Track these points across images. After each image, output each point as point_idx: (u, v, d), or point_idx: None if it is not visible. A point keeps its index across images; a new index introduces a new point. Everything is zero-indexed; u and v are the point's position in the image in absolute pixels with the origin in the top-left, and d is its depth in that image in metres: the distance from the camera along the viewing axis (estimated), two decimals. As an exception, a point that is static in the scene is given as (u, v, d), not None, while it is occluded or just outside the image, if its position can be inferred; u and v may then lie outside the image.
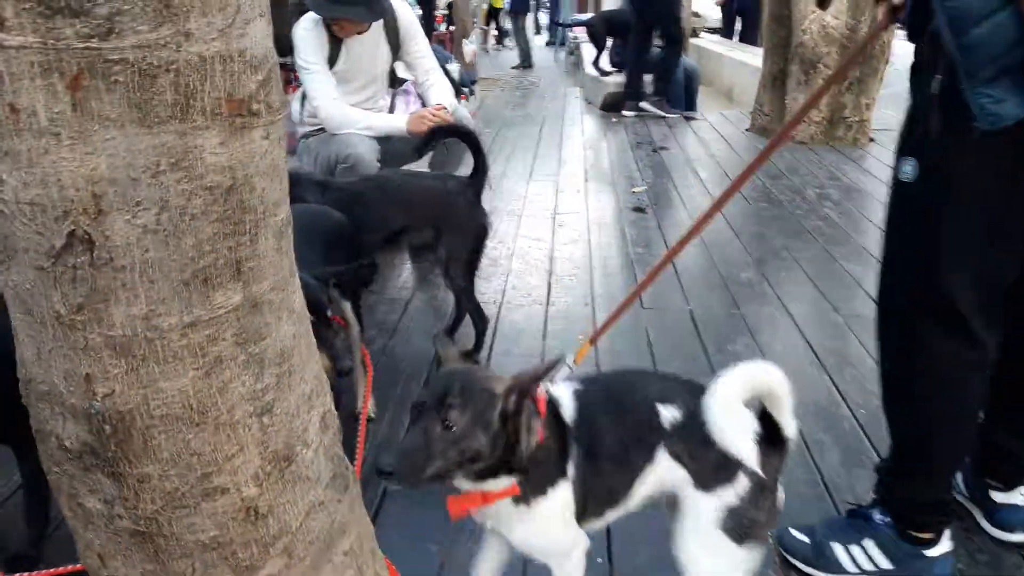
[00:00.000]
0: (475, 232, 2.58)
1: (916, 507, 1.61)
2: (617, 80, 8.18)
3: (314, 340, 1.17)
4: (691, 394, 1.32)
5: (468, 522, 1.79)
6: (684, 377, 1.41)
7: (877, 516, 1.66)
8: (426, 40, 3.48)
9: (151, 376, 0.91)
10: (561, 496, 1.28)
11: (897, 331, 1.57)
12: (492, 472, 1.23)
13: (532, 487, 1.26)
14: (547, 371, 1.20)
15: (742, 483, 1.29)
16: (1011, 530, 1.73)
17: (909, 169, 1.44)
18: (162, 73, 0.83)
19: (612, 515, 1.38)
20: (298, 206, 2.20)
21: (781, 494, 1.36)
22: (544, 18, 21.69)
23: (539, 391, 1.24)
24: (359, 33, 3.18)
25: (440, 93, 3.34)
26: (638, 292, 1.51)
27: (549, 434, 1.26)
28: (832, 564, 1.65)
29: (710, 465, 1.29)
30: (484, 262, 3.51)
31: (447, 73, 6.43)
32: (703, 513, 1.30)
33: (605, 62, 8.66)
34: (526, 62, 13.99)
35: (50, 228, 0.82)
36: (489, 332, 2.76)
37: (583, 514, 1.32)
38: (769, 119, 6.50)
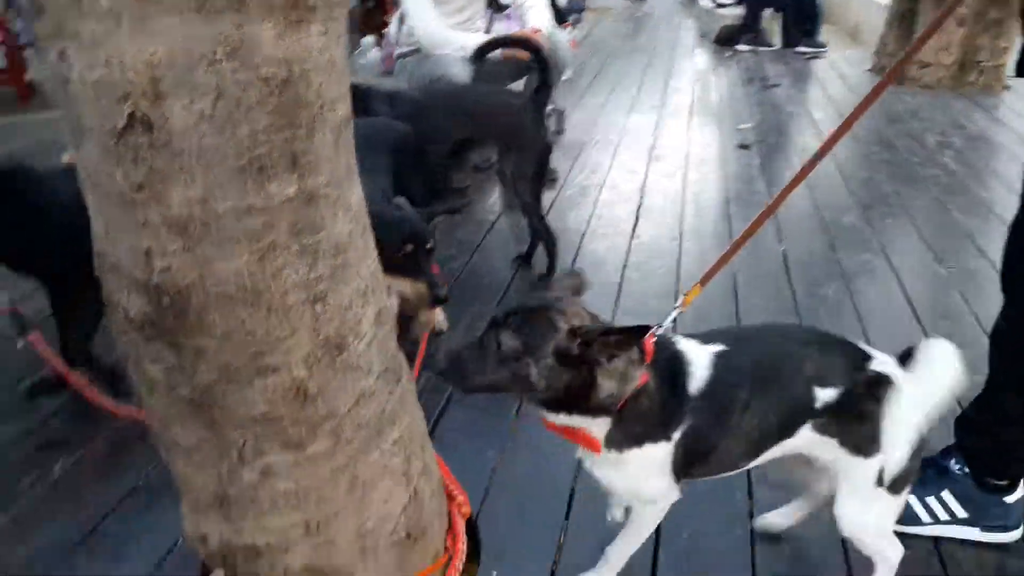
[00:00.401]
0: (538, 149, 2.58)
1: (995, 453, 1.57)
2: (733, 13, 7.81)
3: (372, 240, 1.22)
4: (850, 364, 1.28)
5: (526, 435, 1.86)
6: (837, 336, 1.34)
7: (954, 465, 1.63)
8: (523, -37, 3.43)
9: (207, 256, 0.97)
10: (658, 455, 1.25)
11: None
12: (560, 406, 1.21)
13: (625, 437, 1.23)
14: (623, 331, 1.13)
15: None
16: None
17: None
18: (221, -37, 0.87)
19: (723, 474, 1.37)
20: (364, 119, 2.27)
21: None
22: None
23: (648, 342, 1.21)
24: None
25: (536, 16, 3.30)
26: (750, 234, 1.39)
27: (658, 391, 1.22)
28: (907, 517, 1.58)
29: (865, 437, 1.27)
30: (573, 191, 3.53)
31: (554, 0, 6.34)
32: (859, 475, 1.29)
33: (724, -7, 8.27)
34: (637, -8, 13.50)
35: (113, 109, 0.88)
36: (568, 260, 2.77)
37: (686, 471, 1.30)
38: (893, 60, 6.08)
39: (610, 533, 1.42)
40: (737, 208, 3.37)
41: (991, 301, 2.46)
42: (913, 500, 1.61)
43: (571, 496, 1.68)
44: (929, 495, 1.62)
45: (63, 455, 1.79)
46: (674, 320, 1.31)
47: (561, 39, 3.39)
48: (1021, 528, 1.61)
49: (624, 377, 1.19)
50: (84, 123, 0.91)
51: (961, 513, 1.60)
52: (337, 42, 1.02)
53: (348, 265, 1.12)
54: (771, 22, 7.66)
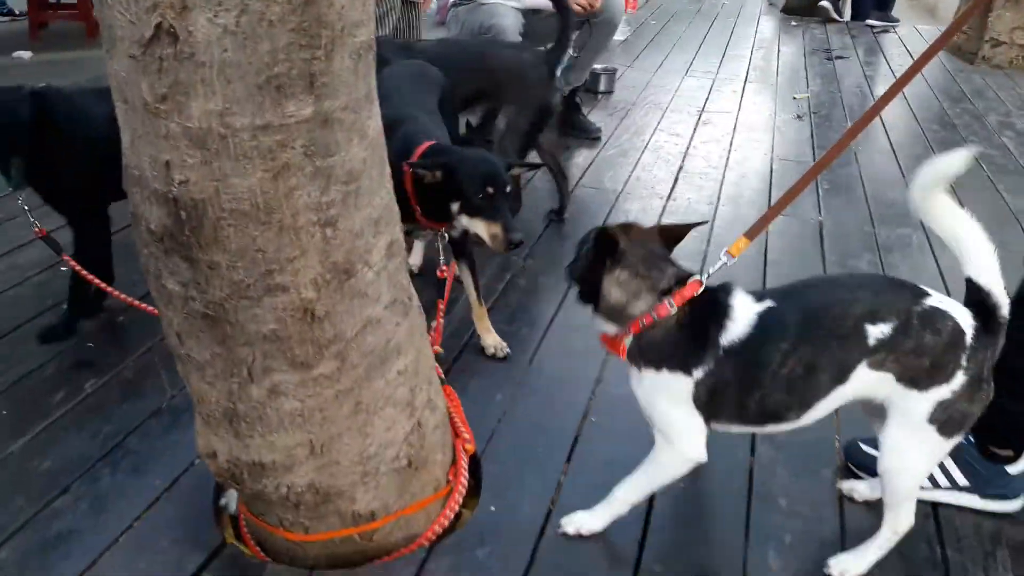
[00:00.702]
0: (536, 106, 2.55)
1: (1002, 423, 1.55)
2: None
3: (387, 170, 1.23)
4: (905, 299, 1.29)
5: (537, 381, 1.88)
6: (894, 278, 1.39)
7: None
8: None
9: (223, 170, 1.00)
10: (673, 384, 1.32)
11: None
12: (585, 297, 1.36)
13: (643, 356, 1.34)
14: (627, 226, 1.34)
15: (958, 380, 1.26)
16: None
17: None
18: None
19: (783, 427, 1.37)
20: (412, 61, 2.27)
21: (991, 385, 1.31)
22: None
23: (693, 284, 1.30)
24: None
25: (591, -29, 3.23)
26: (794, 195, 1.46)
27: (680, 328, 1.31)
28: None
29: (921, 369, 1.27)
30: (613, 151, 3.51)
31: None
32: (913, 410, 1.29)
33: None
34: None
35: (141, 19, 0.91)
36: (601, 219, 2.76)
37: (715, 414, 1.35)
38: (967, 38, 5.83)
39: (610, 479, 1.44)
40: (779, 178, 3.31)
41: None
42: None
43: (575, 442, 1.70)
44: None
45: (93, 375, 1.87)
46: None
47: (616, -2, 3.32)
48: (1021, 498, 1.60)
49: (634, 294, 1.31)
50: (115, 33, 0.94)
51: (962, 481, 1.61)
52: (362, -35, 1.03)
53: (361, 192, 1.13)
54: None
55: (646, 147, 3.59)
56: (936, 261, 2.60)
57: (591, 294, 1.34)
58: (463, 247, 1.99)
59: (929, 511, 1.57)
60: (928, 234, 2.77)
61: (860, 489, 1.60)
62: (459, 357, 1.98)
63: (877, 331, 1.26)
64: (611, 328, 1.35)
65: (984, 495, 1.59)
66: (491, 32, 3.12)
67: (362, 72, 1.08)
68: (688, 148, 3.59)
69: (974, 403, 1.29)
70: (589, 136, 3.63)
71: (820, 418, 1.35)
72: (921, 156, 3.59)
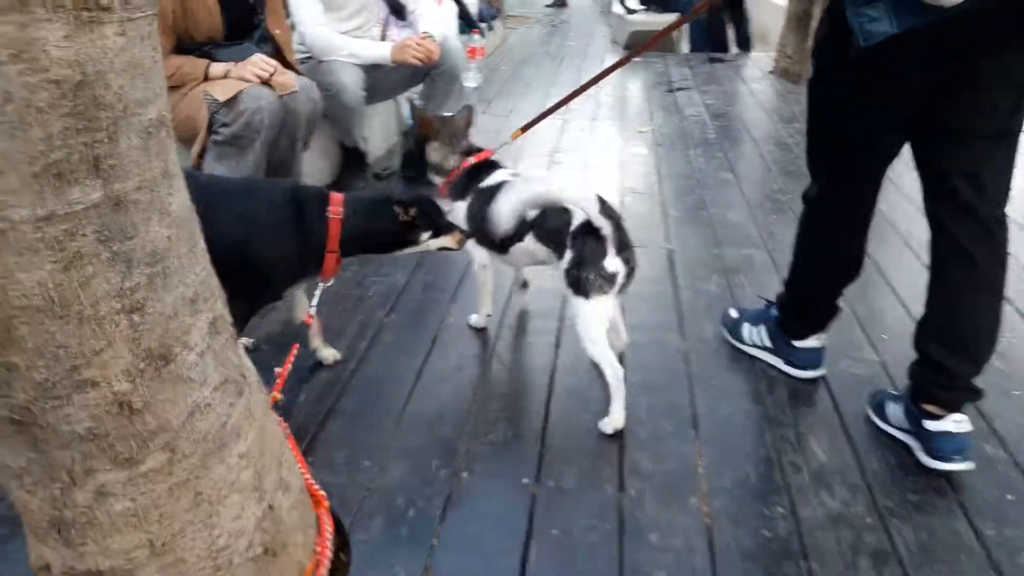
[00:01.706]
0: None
1: (788, 303, 2.16)
2: (643, 19, 7.98)
3: (201, 245, 1.18)
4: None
5: (403, 451, 1.84)
6: None
7: (773, 311, 2.22)
8: (418, -32, 3.42)
9: (7, 266, 0.93)
10: (459, 210, 2.21)
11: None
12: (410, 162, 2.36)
13: (451, 195, 2.30)
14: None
15: (568, 256, 1.89)
16: (947, 459, 1.76)
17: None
18: (-4, -39, 0.83)
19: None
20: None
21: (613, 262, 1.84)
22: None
23: (486, 153, 2.30)
24: None
25: (429, 21, 3.30)
26: (562, 103, 2.44)
27: (467, 175, 2.24)
28: (738, 335, 2.29)
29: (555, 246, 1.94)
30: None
31: (462, 6, 6.36)
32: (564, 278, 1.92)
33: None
34: (560, 1, 13.70)
35: None
36: (447, 274, 2.78)
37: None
38: (792, 61, 6.30)
39: (486, 533, 1.41)
40: (629, 209, 3.42)
41: (873, 293, 2.57)
42: (746, 326, 2.26)
43: (447, 501, 1.68)
44: (754, 325, 2.24)
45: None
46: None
47: (454, 46, 3.38)
48: (812, 370, 2.15)
49: (444, 157, 2.29)
50: None
51: (767, 344, 2.21)
52: (142, 42, 0.99)
53: (170, 272, 1.08)
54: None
55: (502, 191, 3.64)
56: (780, 276, 2.74)
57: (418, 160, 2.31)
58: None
59: (793, 529, 1.62)
60: (772, 255, 2.94)
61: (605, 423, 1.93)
62: (324, 424, 1.92)
63: (532, 213, 1.93)
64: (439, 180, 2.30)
65: (785, 361, 2.18)
66: (331, 90, 3.12)
67: (155, 149, 1.04)
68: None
69: (583, 272, 1.84)
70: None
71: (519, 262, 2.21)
72: (759, 180, 3.83)
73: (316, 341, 2.13)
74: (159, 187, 1.06)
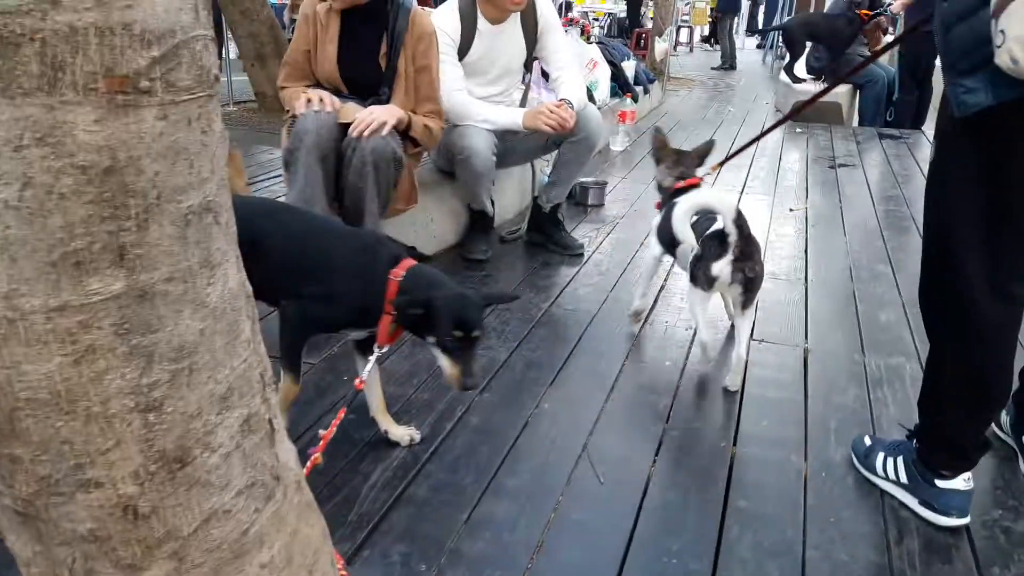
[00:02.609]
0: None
1: (929, 435, 1.87)
2: (809, 89, 7.60)
3: (247, 335, 1.10)
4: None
5: (463, 559, 1.69)
6: None
7: (915, 442, 1.92)
8: (564, 35, 3.37)
9: (13, 357, 0.87)
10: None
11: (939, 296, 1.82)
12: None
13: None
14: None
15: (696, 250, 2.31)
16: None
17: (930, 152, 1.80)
18: (26, 42, 0.78)
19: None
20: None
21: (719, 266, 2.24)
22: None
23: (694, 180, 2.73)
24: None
25: (568, 90, 3.21)
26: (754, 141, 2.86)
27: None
28: (871, 464, 1.99)
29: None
30: (593, 270, 3.38)
31: (618, 69, 6.30)
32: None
33: (801, 68, 8.07)
34: (728, 63, 13.45)
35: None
36: (574, 340, 2.62)
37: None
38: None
39: None
40: (765, 299, 3.14)
41: None
42: (880, 455, 1.97)
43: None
44: (891, 455, 1.95)
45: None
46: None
47: (592, 114, 3.27)
48: (955, 518, 1.82)
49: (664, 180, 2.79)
50: None
51: (903, 479, 1.91)
52: (188, 126, 0.92)
53: (197, 368, 1.00)
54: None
55: (628, 265, 3.47)
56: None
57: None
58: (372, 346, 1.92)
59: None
60: (924, 365, 2.58)
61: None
62: (388, 512, 1.80)
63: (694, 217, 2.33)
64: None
65: (921, 501, 1.87)
66: (463, 154, 3.10)
67: (194, 238, 0.96)
68: (672, 267, 3.45)
69: (699, 269, 2.32)
70: (571, 253, 3.52)
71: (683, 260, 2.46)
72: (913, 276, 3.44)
73: (381, 417, 2.02)
74: (195, 278, 0.98)
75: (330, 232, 1.99)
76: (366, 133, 2.55)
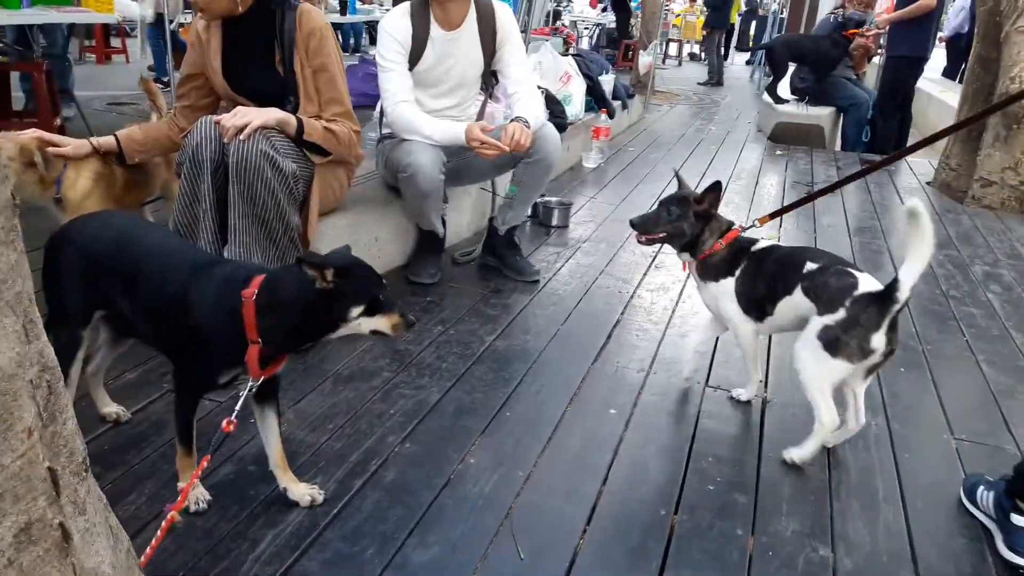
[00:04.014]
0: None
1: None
2: (791, 111, 7.46)
3: (26, 423, 0.88)
4: (832, 258, 2.13)
5: None
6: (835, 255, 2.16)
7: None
8: (522, 48, 3.15)
9: None
10: (724, 286, 2.26)
11: None
12: (686, 248, 2.31)
13: (708, 273, 2.30)
14: (711, 191, 2.27)
15: (839, 314, 1.96)
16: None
17: None
18: None
19: (769, 323, 2.22)
20: None
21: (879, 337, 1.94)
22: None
23: (736, 228, 2.30)
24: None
25: (525, 107, 3.00)
26: (781, 212, 2.58)
27: (727, 251, 2.25)
28: (973, 494, 2.00)
29: (825, 300, 2.00)
30: (547, 299, 3.16)
31: (596, 84, 6.10)
32: (812, 327, 2.01)
33: (784, 89, 7.91)
34: (714, 79, 13.31)
35: None
36: (508, 387, 2.40)
37: (747, 307, 2.24)
38: (955, 175, 5.60)
39: None
40: (728, 337, 2.94)
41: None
42: (981, 487, 1.97)
43: None
44: (989, 488, 1.95)
45: None
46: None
47: (549, 134, 3.05)
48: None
49: (711, 238, 2.26)
50: None
51: (991, 511, 1.92)
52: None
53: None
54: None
55: (585, 294, 3.26)
56: (897, 470, 2.20)
57: (691, 243, 2.30)
58: (271, 390, 1.75)
59: None
60: (890, 426, 2.39)
61: (793, 452, 2.14)
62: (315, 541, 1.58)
63: (809, 266, 2.08)
64: (691, 259, 2.34)
65: (1005, 538, 1.86)
66: (407, 171, 2.88)
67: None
68: (631, 298, 3.26)
69: (848, 334, 1.95)
70: (525, 279, 3.31)
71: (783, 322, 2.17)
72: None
73: (280, 473, 1.80)
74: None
75: (164, 264, 1.72)
76: (226, 138, 2.30)
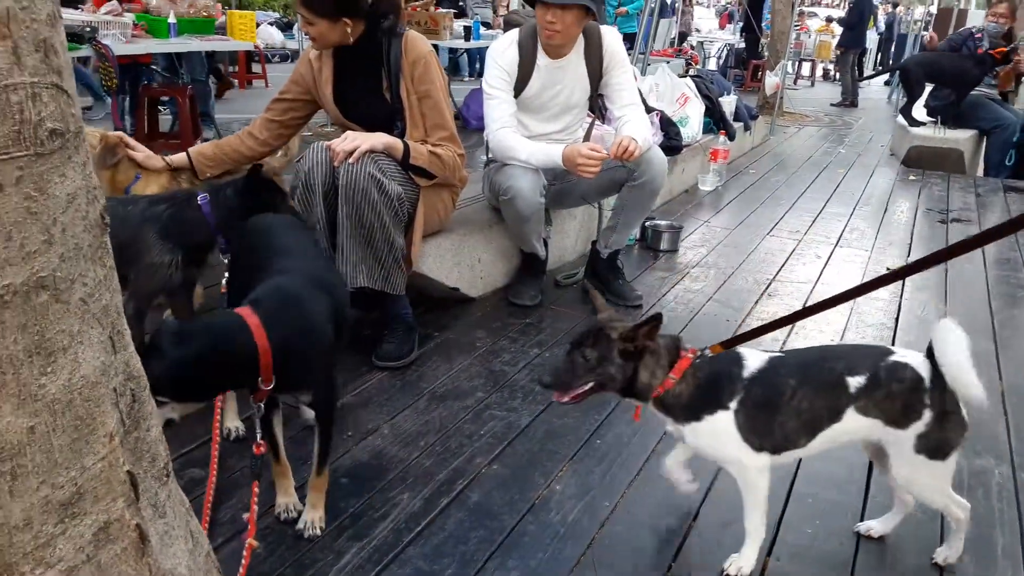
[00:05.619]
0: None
1: None
2: (927, 133, 7.04)
3: (107, 429, 0.94)
4: (874, 356, 1.68)
5: None
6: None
7: None
8: (630, 72, 3.12)
9: None
10: (719, 422, 1.64)
11: None
12: (627, 393, 1.69)
13: (681, 414, 1.68)
14: (646, 323, 1.61)
15: (927, 416, 1.61)
16: None
17: None
18: None
19: (798, 454, 1.73)
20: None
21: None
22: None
23: (687, 351, 1.69)
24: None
25: (632, 128, 2.97)
26: (783, 323, 1.70)
27: (693, 380, 1.66)
28: None
29: (897, 412, 1.63)
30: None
31: (715, 105, 5.98)
32: (903, 445, 1.65)
33: (920, 110, 7.47)
34: (848, 100, 12.79)
35: None
36: (621, 422, 2.36)
37: (759, 442, 1.65)
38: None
39: None
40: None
41: None
42: None
43: None
44: None
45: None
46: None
47: (656, 157, 3.01)
48: None
49: (656, 374, 1.65)
50: None
51: None
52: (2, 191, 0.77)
53: (23, 473, 0.84)
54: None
55: (690, 321, 3.18)
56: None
57: (630, 387, 1.67)
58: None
59: None
60: (1015, 469, 2.19)
61: (875, 527, 1.89)
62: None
63: (855, 381, 1.63)
64: (641, 403, 1.72)
65: None
66: (508, 194, 2.91)
67: (16, 322, 0.81)
68: (739, 327, 3.15)
69: (946, 431, 1.62)
70: (627, 304, 3.26)
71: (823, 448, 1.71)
72: (1020, 358, 2.98)
73: (281, 499, 1.83)
74: (19, 368, 0.83)
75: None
76: (336, 162, 2.39)
